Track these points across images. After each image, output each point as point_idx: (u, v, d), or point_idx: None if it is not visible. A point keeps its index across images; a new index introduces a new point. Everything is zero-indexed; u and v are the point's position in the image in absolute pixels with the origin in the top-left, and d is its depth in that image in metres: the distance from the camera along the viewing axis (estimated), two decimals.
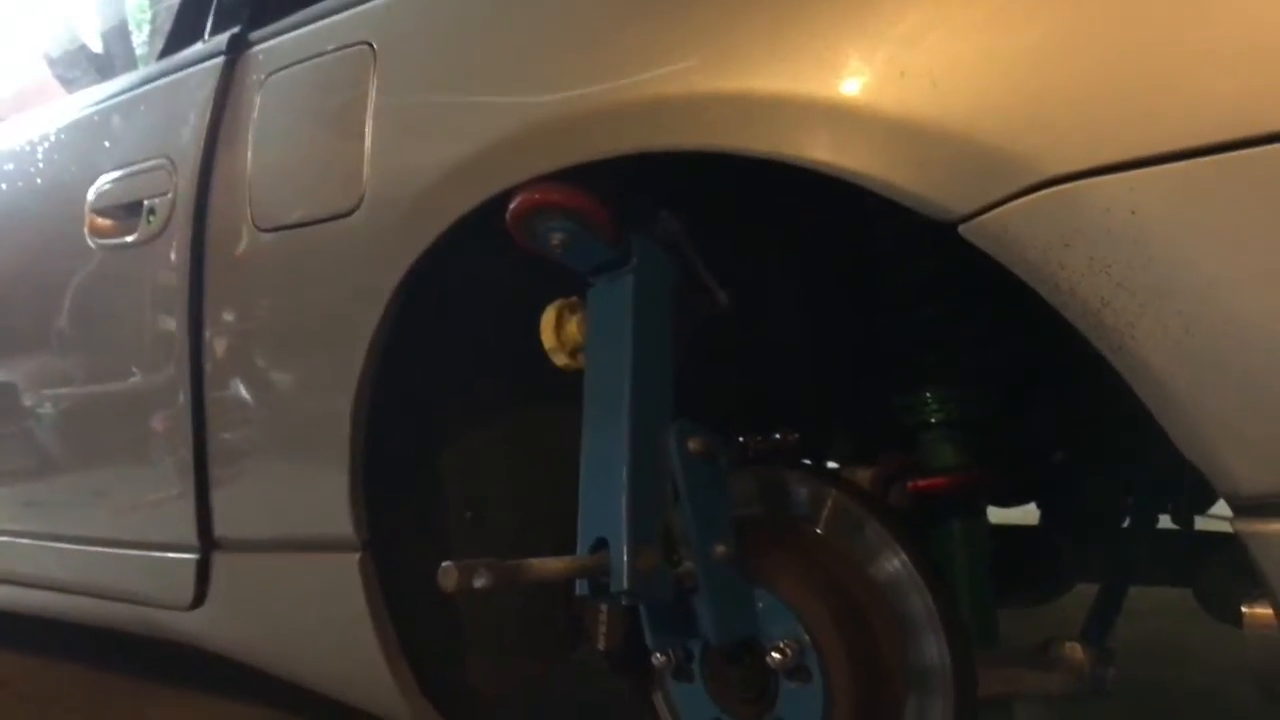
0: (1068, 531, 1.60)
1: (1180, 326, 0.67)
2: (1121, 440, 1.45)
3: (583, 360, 1.13)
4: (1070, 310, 0.72)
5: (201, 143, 1.54)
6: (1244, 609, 0.99)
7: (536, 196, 1.03)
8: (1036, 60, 0.74)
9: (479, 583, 0.90)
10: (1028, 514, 1.68)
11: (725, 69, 0.90)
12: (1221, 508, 1.63)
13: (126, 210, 1.69)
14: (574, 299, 1.15)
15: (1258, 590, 0.99)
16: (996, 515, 1.34)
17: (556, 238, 1.05)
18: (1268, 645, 0.98)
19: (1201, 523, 1.64)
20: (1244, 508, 0.69)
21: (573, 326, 1.14)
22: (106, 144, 1.83)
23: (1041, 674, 1.17)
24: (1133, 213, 0.68)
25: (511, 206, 1.05)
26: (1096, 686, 1.16)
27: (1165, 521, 1.61)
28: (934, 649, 1.11)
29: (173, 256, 1.57)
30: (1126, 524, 1.60)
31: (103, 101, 1.88)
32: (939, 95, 0.76)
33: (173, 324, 1.58)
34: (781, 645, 1.09)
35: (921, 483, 1.20)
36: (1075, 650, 1.18)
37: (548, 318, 1.15)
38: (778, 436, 1.42)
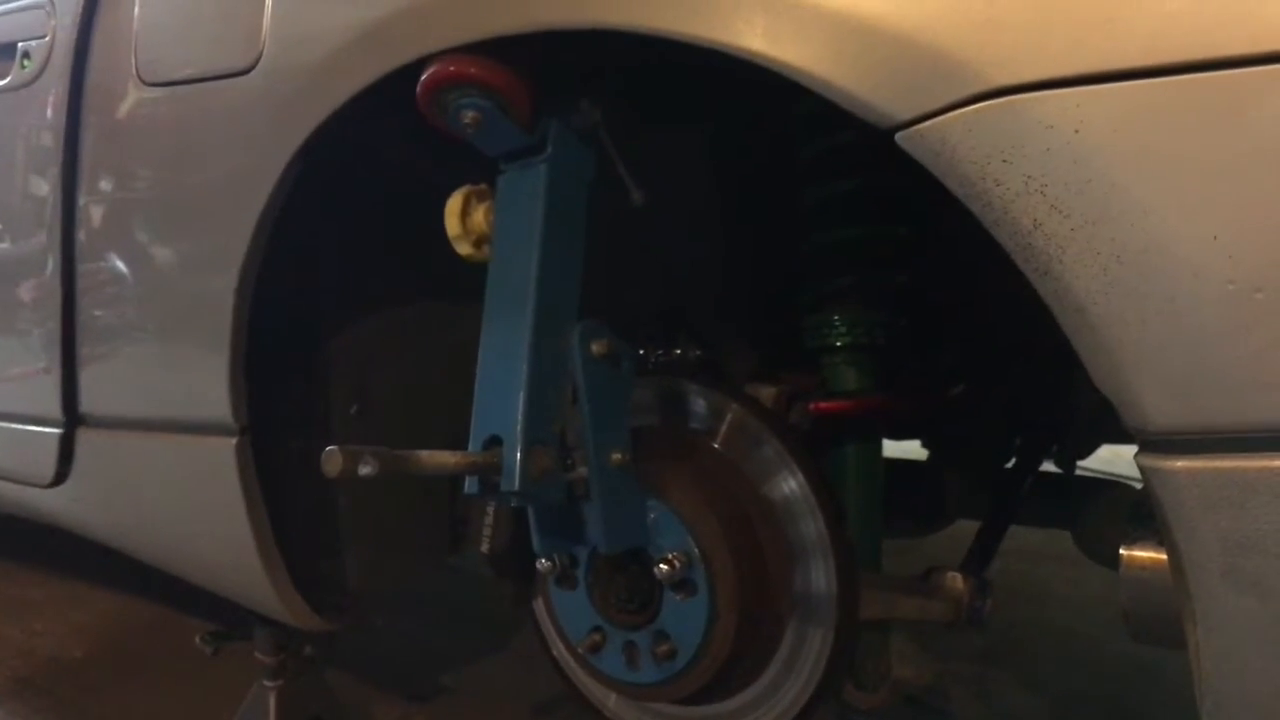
0: (954, 467, 1.62)
1: (1111, 254, 0.66)
2: (1018, 379, 1.47)
3: (488, 251, 1.08)
4: (1001, 230, 0.70)
5: None
6: (1122, 551, 1.01)
7: (451, 68, 0.96)
8: None
9: (364, 470, 0.85)
10: (909, 449, 1.71)
11: None
12: (1096, 460, 1.68)
13: None
14: (483, 186, 1.10)
15: (1136, 534, 1.01)
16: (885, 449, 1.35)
17: (469, 115, 0.98)
18: (1141, 587, 1.00)
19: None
20: (1151, 443, 0.68)
21: (479, 215, 1.09)
22: None
23: (922, 600, 1.19)
24: (1076, 131, 0.66)
25: (423, 78, 0.98)
26: (974, 617, 1.18)
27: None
28: (821, 572, 1.11)
29: (48, 109, 1.46)
30: (1011, 464, 1.63)
31: None
32: None
33: (44, 185, 1.47)
34: (670, 557, 1.08)
35: (823, 404, 1.19)
36: (956, 580, 1.20)
37: (453, 204, 1.08)
38: (679, 351, 1.40)
